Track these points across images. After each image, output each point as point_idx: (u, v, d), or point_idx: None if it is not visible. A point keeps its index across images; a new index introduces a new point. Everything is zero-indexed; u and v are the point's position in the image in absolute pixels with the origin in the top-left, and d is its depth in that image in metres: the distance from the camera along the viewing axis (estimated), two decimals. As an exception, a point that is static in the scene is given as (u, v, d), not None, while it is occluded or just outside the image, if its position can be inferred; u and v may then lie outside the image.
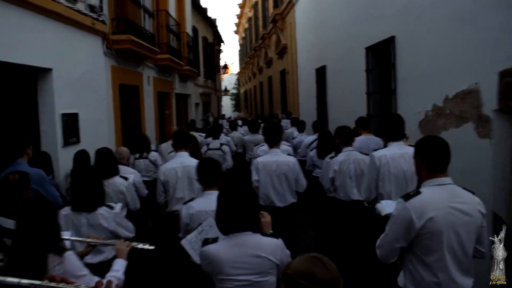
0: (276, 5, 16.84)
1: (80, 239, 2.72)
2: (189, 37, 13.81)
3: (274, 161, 4.61)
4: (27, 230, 2.13)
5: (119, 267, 2.46)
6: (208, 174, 3.27)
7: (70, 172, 4.75)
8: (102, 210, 3.11)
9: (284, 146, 5.85)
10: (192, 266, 2.76)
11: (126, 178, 4.13)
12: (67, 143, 5.45)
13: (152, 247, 2.60)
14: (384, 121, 4.30)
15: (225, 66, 27.95)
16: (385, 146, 4.10)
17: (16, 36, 4.40)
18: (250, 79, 31.90)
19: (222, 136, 8.04)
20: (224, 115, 25.51)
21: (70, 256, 2.24)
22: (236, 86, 47.27)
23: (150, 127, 9.32)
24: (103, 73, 6.77)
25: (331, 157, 4.91)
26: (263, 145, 5.70)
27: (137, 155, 6.16)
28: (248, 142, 7.85)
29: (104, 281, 1.87)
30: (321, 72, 10.94)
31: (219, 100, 26.38)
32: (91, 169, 3.39)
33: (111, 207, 3.21)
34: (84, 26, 5.95)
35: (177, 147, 4.60)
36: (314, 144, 6.67)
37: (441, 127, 4.72)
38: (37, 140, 5.15)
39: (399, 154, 3.80)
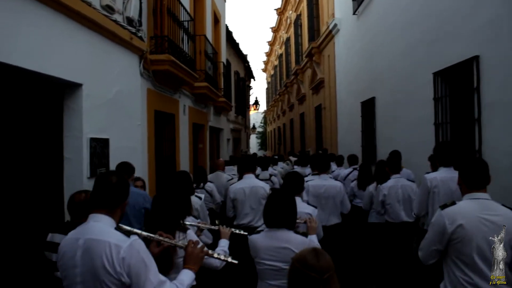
0: (312, 39, 16.23)
1: (193, 223, 3.25)
2: (224, 68, 13.17)
3: (323, 184, 5.26)
4: (161, 211, 2.73)
5: (224, 244, 3.11)
6: (294, 184, 4.00)
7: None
8: (190, 219, 3.50)
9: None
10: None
11: (200, 198, 4.59)
12: (94, 173, 4.51)
13: (246, 233, 3.24)
14: (436, 148, 4.59)
15: (256, 102, 27.19)
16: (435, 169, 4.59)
17: (43, 41, 3.65)
18: (278, 117, 31.21)
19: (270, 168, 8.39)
20: (246, 151, 24.26)
21: (191, 233, 2.84)
22: (262, 124, 46.81)
23: (184, 161, 8.44)
24: (138, 95, 5.96)
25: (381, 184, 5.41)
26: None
27: (194, 185, 6.11)
28: None
29: (199, 245, 2.52)
30: (368, 105, 10.09)
31: (248, 138, 25.58)
32: (180, 186, 3.82)
33: (197, 218, 3.76)
34: (121, 40, 5.21)
35: (244, 170, 5.31)
36: (351, 176, 7.39)
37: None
38: (59, 168, 4.30)
39: (449, 177, 4.14)
